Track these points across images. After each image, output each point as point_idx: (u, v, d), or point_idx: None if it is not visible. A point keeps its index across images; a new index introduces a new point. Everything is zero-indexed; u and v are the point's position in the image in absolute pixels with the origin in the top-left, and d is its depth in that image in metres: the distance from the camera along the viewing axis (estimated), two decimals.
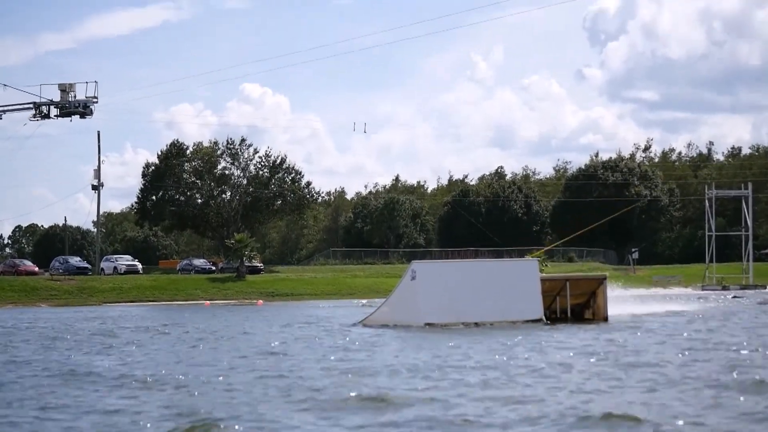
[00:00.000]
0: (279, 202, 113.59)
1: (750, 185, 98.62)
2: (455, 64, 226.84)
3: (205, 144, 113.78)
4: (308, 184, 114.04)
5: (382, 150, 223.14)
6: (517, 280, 29.89)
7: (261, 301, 75.84)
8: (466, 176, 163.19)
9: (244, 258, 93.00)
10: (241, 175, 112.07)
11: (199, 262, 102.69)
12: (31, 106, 71.78)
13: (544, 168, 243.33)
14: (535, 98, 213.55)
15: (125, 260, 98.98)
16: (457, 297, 29.36)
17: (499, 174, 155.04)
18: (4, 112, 74.38)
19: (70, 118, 72.15)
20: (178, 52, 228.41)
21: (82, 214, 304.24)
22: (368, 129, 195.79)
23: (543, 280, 30.94)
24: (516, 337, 22.76)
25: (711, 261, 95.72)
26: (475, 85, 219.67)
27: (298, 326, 31.14)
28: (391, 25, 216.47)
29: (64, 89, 70.98)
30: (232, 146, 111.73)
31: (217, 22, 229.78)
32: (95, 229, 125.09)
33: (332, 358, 19.23)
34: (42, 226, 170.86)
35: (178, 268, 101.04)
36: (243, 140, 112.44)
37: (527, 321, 29.03)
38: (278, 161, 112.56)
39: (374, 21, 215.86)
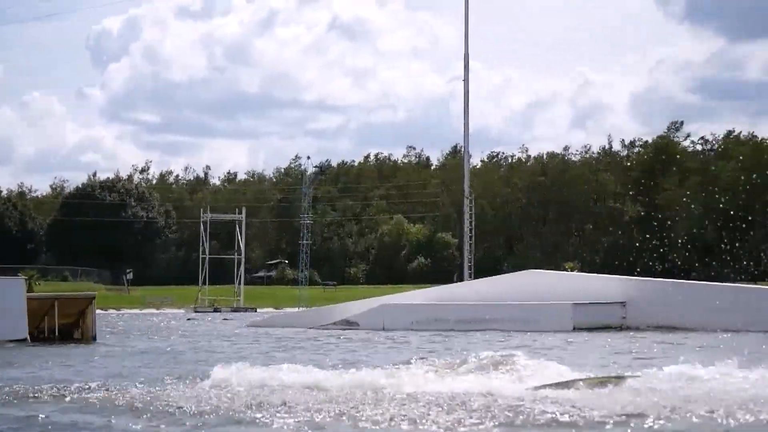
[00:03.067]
0: None
1: (244, 210, 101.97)
2: None
3: None
4: None
5: None
6: (1, 298, 29.09)
7: None
8: None
9: None
10: None
11: None
12: None
13: (41, 186, 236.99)
14: (35, 115, 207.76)
15: None
16: None
17: None
18: None
19: None
20: None
21: None
22: None
23: (31, 299, 30.31)
24: None
25: (204, 283, 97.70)
26: None
27: None
28: None
29: None
30: None
31: None
32: None
33: None
34: None
35: None
36: None
37: (12, 341, 28.19)
38: None
39: None
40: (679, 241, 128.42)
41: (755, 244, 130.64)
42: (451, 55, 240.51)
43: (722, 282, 66.91)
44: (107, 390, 14.11)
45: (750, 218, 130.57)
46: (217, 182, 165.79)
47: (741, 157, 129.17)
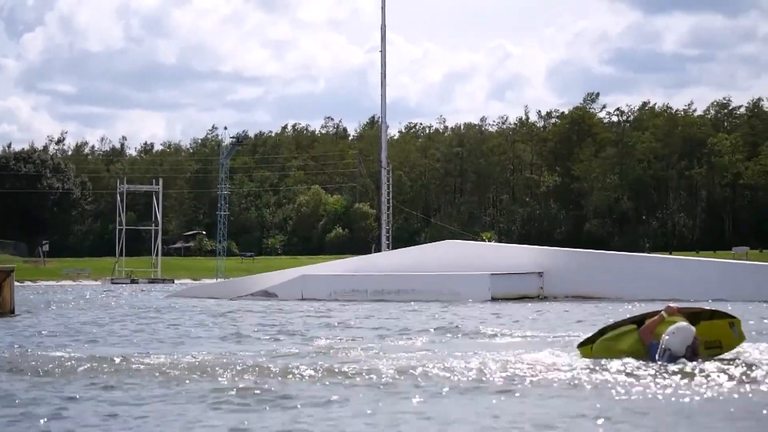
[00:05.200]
0: None
1: (161, 181, 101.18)
2: None
3: None
4: None
5: None
6: None
7: None
8: None
9: None
10: None
11: None
12: None
13: None
14: None
15: None
16: None
17: None
18: None
19: None
20: None
21: None
22: None
23: None
24: None
25: (121, 254, 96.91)
26: None
27: None
28: None
29: None
30: None
31: None
32: None
33: None
34: None
35: None
36: None
37: None
38: None
39: None
40: (595, 211, 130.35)
41: (670, 214, 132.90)
42: (369, 26, 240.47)
43: (637, 252, 68.17)
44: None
45: (665, 188, 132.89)
46: (134, 153, 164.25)
47: (656, 128, 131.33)
